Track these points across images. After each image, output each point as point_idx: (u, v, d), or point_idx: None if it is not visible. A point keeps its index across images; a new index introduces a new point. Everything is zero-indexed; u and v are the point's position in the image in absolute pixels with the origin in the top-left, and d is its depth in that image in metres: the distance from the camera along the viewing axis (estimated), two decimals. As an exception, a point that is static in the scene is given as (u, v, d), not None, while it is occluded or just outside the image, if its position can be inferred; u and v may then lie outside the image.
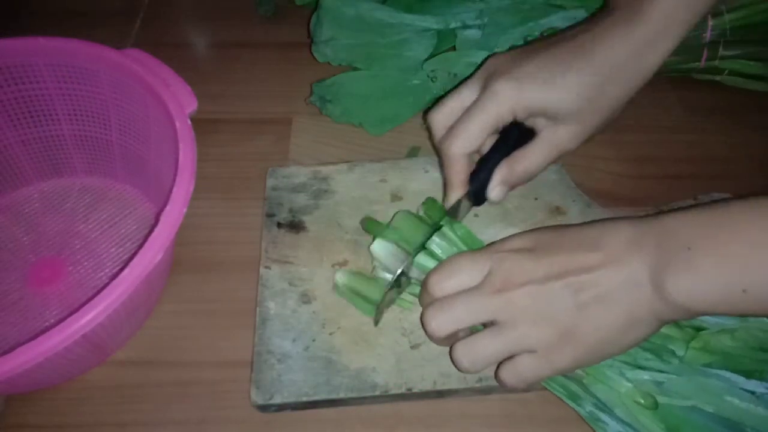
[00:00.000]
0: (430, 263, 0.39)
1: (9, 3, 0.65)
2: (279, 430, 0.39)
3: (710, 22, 0.52)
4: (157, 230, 0.34)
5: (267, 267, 0.44)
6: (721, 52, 0.53)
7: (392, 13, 0.53)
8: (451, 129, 0.38)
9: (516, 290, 0.34)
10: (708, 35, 0.52)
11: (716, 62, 0.53)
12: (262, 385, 0.38)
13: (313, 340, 0.40)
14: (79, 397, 0.40)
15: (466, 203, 0.42)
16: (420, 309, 0.38)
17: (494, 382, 0.37)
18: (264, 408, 0.39)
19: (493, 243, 0.37)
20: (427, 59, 0.53)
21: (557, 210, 0.47)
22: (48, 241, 0.47)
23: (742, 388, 0.34)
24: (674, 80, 0.56)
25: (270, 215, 0.46)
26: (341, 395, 0.38)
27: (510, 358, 0.34)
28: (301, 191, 0.48)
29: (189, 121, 0.39)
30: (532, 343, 0.33)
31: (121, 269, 0.33)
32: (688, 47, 0.53)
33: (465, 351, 0.35)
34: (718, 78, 0.55)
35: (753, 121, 0.54)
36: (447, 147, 0.38)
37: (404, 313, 0.42)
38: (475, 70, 0.40)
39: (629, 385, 0.35)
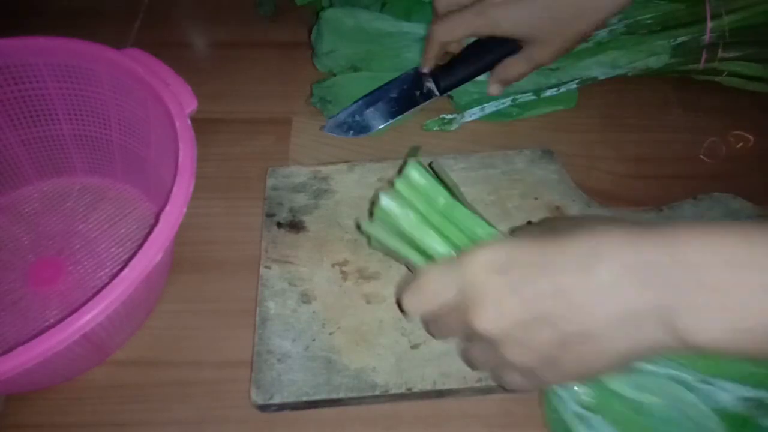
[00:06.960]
0: (422, 262, 0.36)
1: (9, 3, 0.65)
2: (279, 430, 0.39)
3: (709, 24, 0.52)
4: (157, 230, 0.34)
5: (267, 267, 0.44)
6: (720, 53, 0.53)
7: (392, 22, 0.53)
8: (444, 19, 0.47)
9: (488, 319, 0.30)
10: (707, 37, 0.52)
11: (715, 64, 0.53)
12: (262, 385, 0.38)
13: (313, 340, 0.40)
14: (79, 397, 0.40)
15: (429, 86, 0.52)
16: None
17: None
18: (264, 408, 0.39)
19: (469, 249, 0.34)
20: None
21: (557, 210, 0.47)
22: (48, 241, 0.47)
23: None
24: (674, 81, 0.56)
25: (270, 215, 0.46)
26: (341, 395, 0.38)
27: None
28: (301, 191, 0.48)
29: (189, 121, 0.39)
30: (514, 365, 0.32)
31: (121, 269, 0.33)
32: (687, 49, 0.53)
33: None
34: (717, 79, 0.55)
35: (753, 121, 0.54)
36: (434, 30, 0.47)
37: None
38: None
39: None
